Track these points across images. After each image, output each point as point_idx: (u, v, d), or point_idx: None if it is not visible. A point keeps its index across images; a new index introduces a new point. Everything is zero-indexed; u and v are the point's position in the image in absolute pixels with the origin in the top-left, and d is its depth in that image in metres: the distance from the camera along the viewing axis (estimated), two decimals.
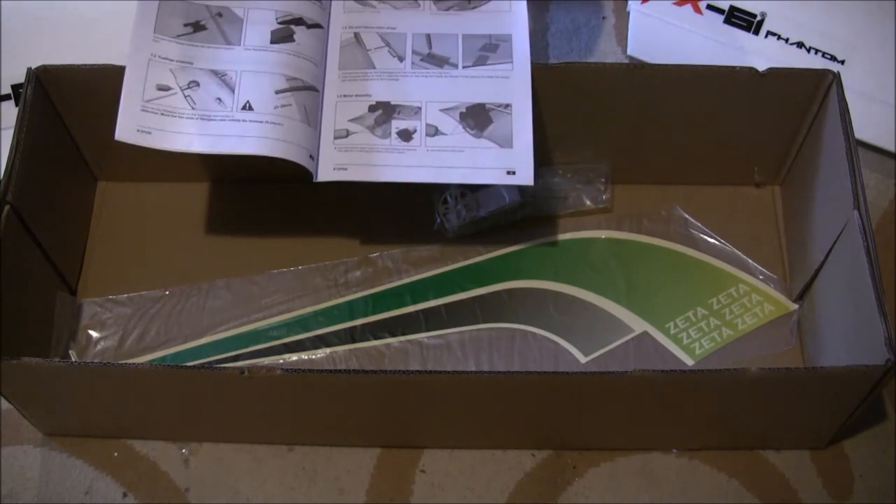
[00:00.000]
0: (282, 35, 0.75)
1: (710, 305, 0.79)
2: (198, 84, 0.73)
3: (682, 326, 0.78)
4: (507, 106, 0.74)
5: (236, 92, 0.73)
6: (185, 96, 0.73)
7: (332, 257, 0.82)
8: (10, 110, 0.85)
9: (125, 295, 0.80)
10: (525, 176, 0.72)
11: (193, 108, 0.72)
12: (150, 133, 0.71)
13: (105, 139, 0.80)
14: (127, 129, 0.72)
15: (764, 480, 0.74)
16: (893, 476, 0.74)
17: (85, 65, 0.75)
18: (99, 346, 0.78)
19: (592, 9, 0.96)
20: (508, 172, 0.72)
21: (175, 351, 0.78)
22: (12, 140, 0.71)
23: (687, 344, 0.78)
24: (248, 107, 0.72)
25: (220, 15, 0.75)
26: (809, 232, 0.77)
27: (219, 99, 0.73)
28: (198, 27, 0.75)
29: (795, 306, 0.79)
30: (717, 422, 0.72)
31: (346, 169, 0.73)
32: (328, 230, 0.83)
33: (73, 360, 0.76)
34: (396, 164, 0.73)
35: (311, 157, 0.73)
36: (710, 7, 0.92)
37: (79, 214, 0.83)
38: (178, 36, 0.74)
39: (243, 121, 0.72)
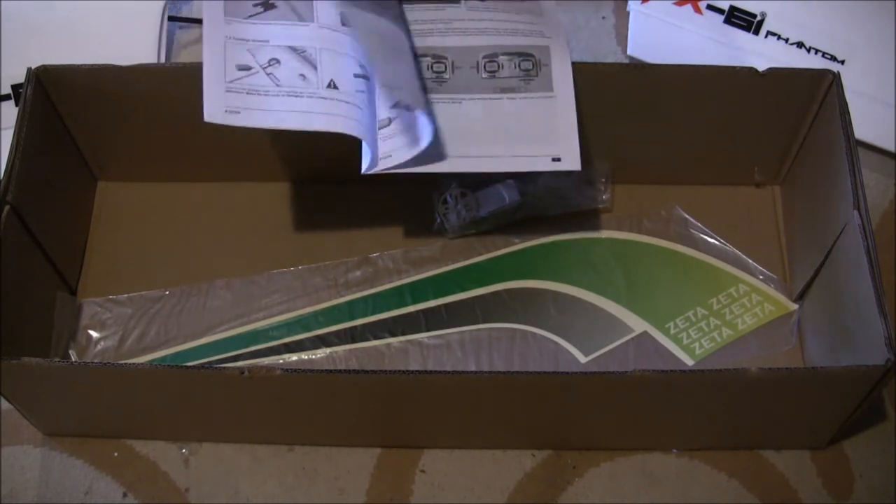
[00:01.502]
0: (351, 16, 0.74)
1: (710, 305, 0.79)
2: (278, 61, 0.71)
3: (682, 326, 0.78)
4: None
5: (319, 69, 0.71)
6: (268, 74, 0.71)
7: (332, 257, 0.82)
8: (10, 110, 0.85)
9: (125, 295, 0.80)
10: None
11: (278, 86, 0.71)
12: (238, 112, 0.70)
13: (105, 139, 0.81)
14: (215, 110, 0.69)
15: (764, 480, 0.74)
16: (893, 476, 0.74)
17: (85, 65, 0.75)
18: (99, 346, 0.78)
19: (592, 9, 0.96)
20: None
21: (175, 351, 0.78)
22: (12, 140, 0.71)
23: (687, 344, 0.78)
24: (332, 85, 0.71)
25: None
26: (809, 232, 0.77)
27: (302, 75, 0.71)
28: (267, 6, 0.73)
29: (795, 306, 0.79)
30: (717, 422, 0.72)
31: (390, 156, 0.72)
32: (328, 230, 0.83)
33: (73, 360, 0.76)
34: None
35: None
36: (710, 7, 0.92)
37: (79, 214, 0.83)
38: (250, 17, 0.73)
39: (330, 99, 0.70)
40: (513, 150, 0.73)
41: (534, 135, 0.73)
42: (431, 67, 0.74)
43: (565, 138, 0.73)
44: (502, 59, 0.75)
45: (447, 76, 0.74)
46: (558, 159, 0.72)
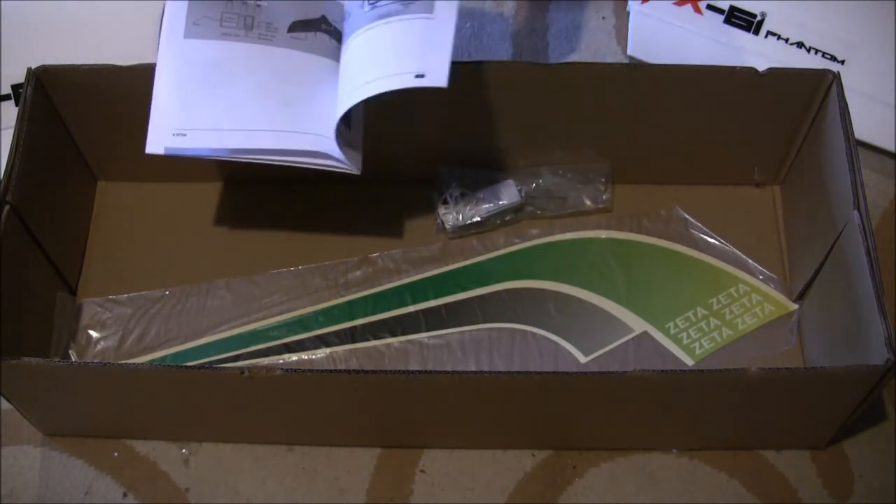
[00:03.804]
0: None
1: (710, 305, 0.79)
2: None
3: (682, 326, 0.78)
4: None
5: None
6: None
7: (332, 257, 0.82)
8: (10, 110, 0.85)
9: (125, 295, 0.80)
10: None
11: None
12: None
13: (105, 139, 0.81)
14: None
15: (764, 480, 0.74)
16: (893, 476, 0.74)
17: (85, 65, 0.75)
18: (99, 346, 0.78)
19: (592, 9, 0.96)
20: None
21: (175, 351, 0.78)
22: (12, 140, 0.71)
23: (687, 344, 0.78)
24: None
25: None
26: (809, 232, 0.77)
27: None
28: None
29: (795, 306, 0.79)
30: (717, 422, 0.72)
31: None
32: (328, 230, 0.83)
33: (73, 360, 0.76)
34: None
35: None
36: (710, 7, 0.92)
37: (79, 214, 0.83)
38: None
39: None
40: (376, 74, 0.68)
41: (400, 54, 0.68)
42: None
43: (433, 54, 0.67)
44: None
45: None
46: (422, 76, 0.66)
